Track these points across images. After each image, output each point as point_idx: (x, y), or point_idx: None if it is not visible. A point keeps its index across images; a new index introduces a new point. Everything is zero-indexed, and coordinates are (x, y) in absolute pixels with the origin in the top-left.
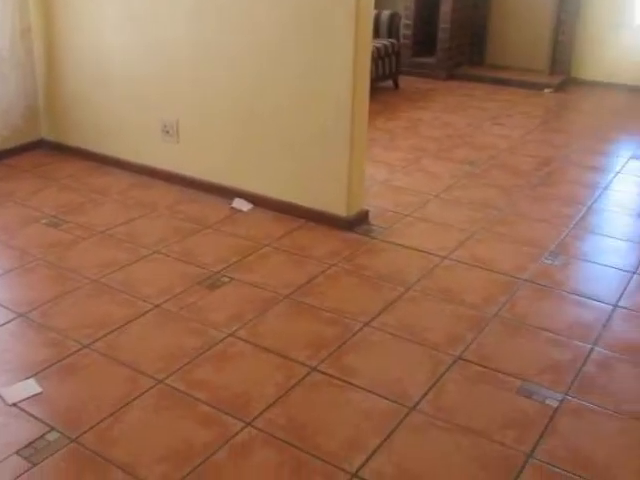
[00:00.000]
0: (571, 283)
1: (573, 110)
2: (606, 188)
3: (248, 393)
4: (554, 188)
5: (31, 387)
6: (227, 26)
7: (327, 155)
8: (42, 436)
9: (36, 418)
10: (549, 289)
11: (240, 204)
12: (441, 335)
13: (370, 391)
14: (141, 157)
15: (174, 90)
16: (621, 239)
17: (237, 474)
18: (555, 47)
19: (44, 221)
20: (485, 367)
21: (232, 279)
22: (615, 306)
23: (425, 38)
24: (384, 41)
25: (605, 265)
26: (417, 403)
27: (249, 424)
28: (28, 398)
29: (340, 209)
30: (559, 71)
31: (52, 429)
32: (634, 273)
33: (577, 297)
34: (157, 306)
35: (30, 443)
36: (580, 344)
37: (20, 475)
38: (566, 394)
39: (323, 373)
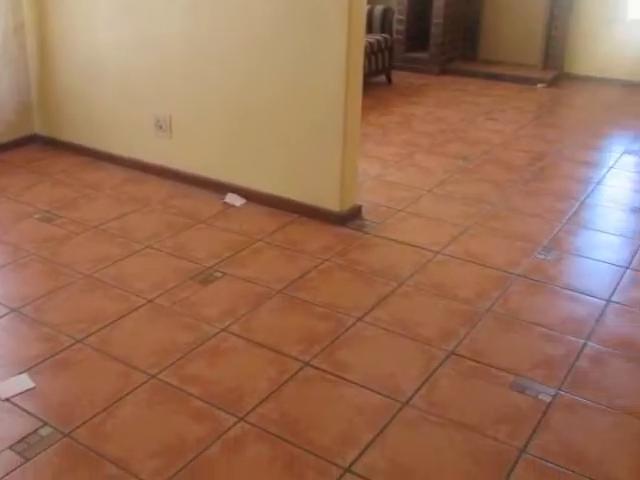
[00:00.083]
0: (564, 278)
1: (566, 105)
2: (599, 183)
3: (241, 388)
4: (547, 183)
5: (24, 382)
6: (220, 21)
7: (320, 150)
8: (35, 431)
9: (29, 413)
10: (542, 284)
11: (233, 199)
12: (434, 330)
13: (363, 386)
14: (134, 152)
15: (167, 85)
16: (614, 234)
17: (230, 469)
18: (548, 42)
19: (37, 216)
20: (478, 362)
21: (225, 274)
22: (608, 301)
23: (418, 33)
24: (377, 36)
25: (598, 260)
26: (410, 398)
27: (242, 419)
28: (21, 393)
29: (333, 204)
30: (552, 66)
31: (45, 424)
32: (627, 268)
33: (570, 292)
34: (150, 301)
35: (23, 438)
36: (573, 339)
37: (13, 470)
38: (559, 389)
39: (316, 368)
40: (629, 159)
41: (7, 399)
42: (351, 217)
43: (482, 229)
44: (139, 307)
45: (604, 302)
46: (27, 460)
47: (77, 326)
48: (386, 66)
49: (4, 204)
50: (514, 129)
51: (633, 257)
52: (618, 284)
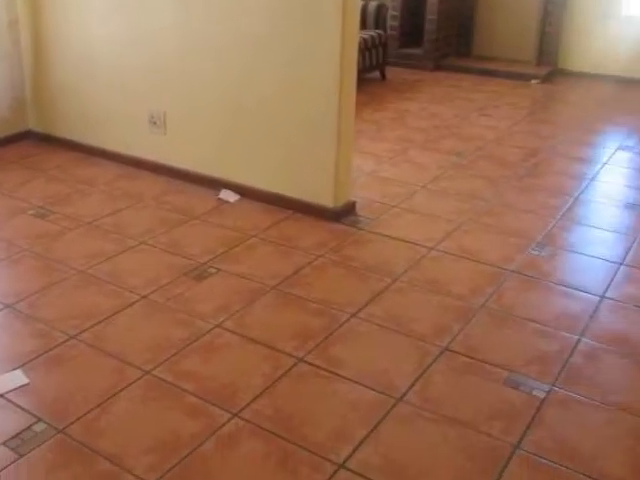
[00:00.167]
0: (558, 274)
1: (560, 101)
2: (593, 179)
3: (235, 384)
4: (541, 179)
5: (18, 378)
6: (214, 16)
7: (314, 146)
8: (29, 427)
9: (23, 409)
10: (536, 280)
11: (227, 195)
12: (428, 326)
13: (357, 382)
14: (128, 148)
15: (161, 81)
16: (608, 230)
17: (224, 465)
18: (542, 38)
19: (31, 212)
20: (472, 358)
21: (219, 270)
22: (602, 297)
23: (412, 29)
24: (371, 32)
25: (592, 256)
26: (404, 394)
27: (236, 415)
28: (15, 389)
29: (327, 200)
30: (546, 62)
31: (39, 420)
32: (621, 264)
33: (564, 288)
34: (144, 297)
35: (17, 434)
36: (567, 335)
37: (7, 466)
38: (553, 385)
39: (310, 364)
40: (623, 155)
41: (1, 395)
42: (345, 213)
43: (476, 225)
44: (133, 303)
45: (598, 298)
46: (21, 456)
47: (71, 322)
48: (380, 62)
49: None
50: (508, 125)
51: (627, 253)
52: (612, 280)
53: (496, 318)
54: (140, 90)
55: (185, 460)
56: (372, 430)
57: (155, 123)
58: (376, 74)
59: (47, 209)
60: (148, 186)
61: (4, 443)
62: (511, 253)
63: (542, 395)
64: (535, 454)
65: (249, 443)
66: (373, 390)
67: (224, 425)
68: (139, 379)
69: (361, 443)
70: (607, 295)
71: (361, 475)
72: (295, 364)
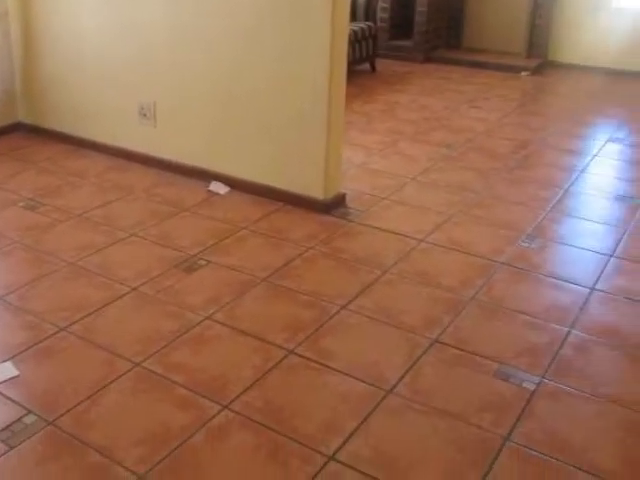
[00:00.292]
0: (548, 266)
1: (550, 93)
2: (583, 171)
3: (225, 376)
4: (531, 171)
5: (8, 370)
6: (204, 9)
7: (304, 138)
8: (19, 419)
9: (13, 401)
10: (526, 272)
11: (217, 187)
12: (418, 318)
13: (347, 374)
14: (118, 140)
15: (151, 73)
16: (598, 222)
17: (214, 457)
18: (532, 30)
19: (21, 204)
20: (462, 350)
21: (209, 262)
22: (592, 289)
23: (402, 21)
24: (361, 24)
25: (582, 248)
26: (394, 386)
27: (226, 407)
28: (5, 381)
29: (317, 192)
30: (536, 54)
31: (29, 412)
32: (611, 256)
33: (554, 280)
34: (134, 289)
35: (7, 426)
36: (557, 327)
37: None
38: (543, 377)
39: (300, 356)
40: (613, 147)
41: None
42: (335, 205)
43: (466, 217)
44: (123, 295)
45: (588, 290)
46: (11, 448)
47: (61, 314)
48: (370, 54)
49: None
50: (498, 117)
51: (617, 245)
52: (602, 272)
53: (486, 310)
54: (130, 82)
55: (175, 452)
56: (362, 422)
57: (145, 115)
58: (366, 66)
59: (37, 201)
60: (138, 178)
61: None
62: (501, 245)
63: (532, 387)
64: (525, 446)
65: (239, 435)
66: (363, 382)
67: (214, 417)
68: (129, 371)
69: (351, 435)
70: (597, 287)
71: (351, 467)
72: (285, 356)
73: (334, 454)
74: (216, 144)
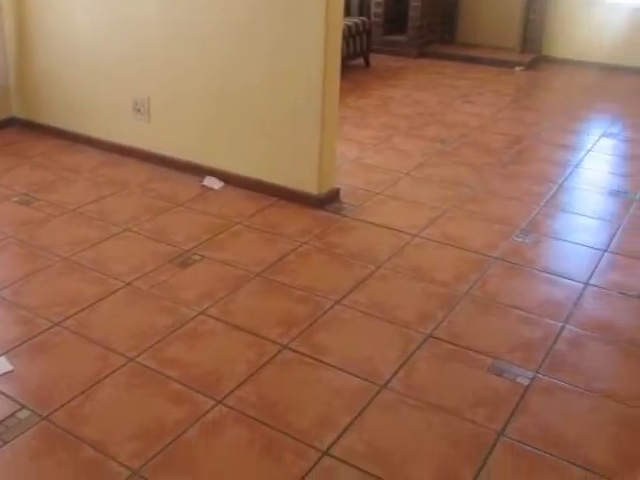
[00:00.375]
0: (542, 261)
1: (544, 88)
2: (577, 166)
3: (219, 371)
4: (525, 166)
5: (2, 365)
6: (198, 4)
7: (298, 133)
8: (13, 414)
9: (7, 396)
10: (520, 267)
11: (211, 182)
12: (412, 313)
13: (341, 369)
14: (112, 135)
15: (145, 68)
16: (592, 217)
17: (208, 452)
18: (526, 25)
19: (15, 199)
20: (456, 345)
21: (203, 257)
22: (586, 284)
23: (396, 16)
24: (355, 19)
25: (576, 243)
26: (388, 381)
27: (220, 402)
28: None
29: (311, 187)
30: (530, 49)
31: (23, 407)
32: (605, 251)
33: (548, 275)
34: (128, 284)
35: (1, 421)
36: (551, 322)
37: None
38: (537, 372)
39: (294, 351)
40: (607, 142)
41: None
42: (329, 200)
43: (460, 212)
44: (117, 290)
45: (582, 285)
46: (5, 443)
47: (55, 309)
48: (364, 49)
49: None
50: (492, 112)
51: (611, 240)
52: (596, 267)
53: (480, 305)
54: (124, 78)
55: (169, 447)
56: (356, 417)
57: (139, 110)
58: (360, 61)
59: (31, 196)
60: (132, 173)
61: None
62: (495, 240)
63: (526, 382)
64: (519, 441)
65: (233, 430)
66: (357, 377)
67: (208, 412)
68: (123, 366)
69: (345, 430)
70: (591, 282)
71: (345, 462)
72: (279, 351)
73: (328, 449)
74: (210, 139)
